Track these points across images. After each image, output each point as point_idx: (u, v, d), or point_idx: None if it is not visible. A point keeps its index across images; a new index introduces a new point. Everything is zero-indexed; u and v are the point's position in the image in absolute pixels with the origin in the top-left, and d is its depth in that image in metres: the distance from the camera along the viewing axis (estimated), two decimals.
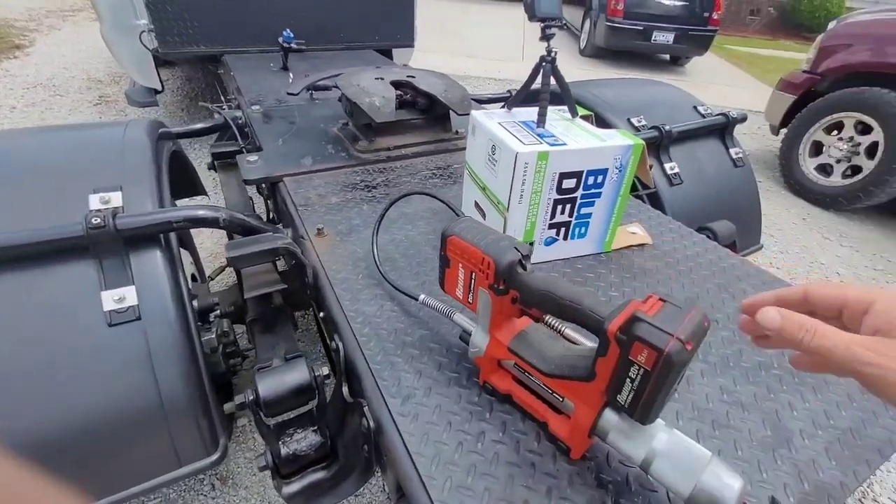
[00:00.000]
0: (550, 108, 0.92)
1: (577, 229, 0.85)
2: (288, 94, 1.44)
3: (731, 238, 1.07)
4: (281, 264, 0.95)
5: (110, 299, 0.77)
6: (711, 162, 1.50)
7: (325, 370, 0.67)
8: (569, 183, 0.78)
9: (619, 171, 0.80)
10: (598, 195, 0.82)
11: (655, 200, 1.33)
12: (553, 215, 0.81)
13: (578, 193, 0.80)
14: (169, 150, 1.15)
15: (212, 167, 1.59)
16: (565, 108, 0.89)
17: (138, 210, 0.85)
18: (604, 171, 0.79)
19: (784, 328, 0.34)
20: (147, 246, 0.82)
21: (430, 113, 1.36)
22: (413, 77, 1.35)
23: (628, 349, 0.41)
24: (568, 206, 0.81)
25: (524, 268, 0.51)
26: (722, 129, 1.54)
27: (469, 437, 0.55)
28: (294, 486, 0.66)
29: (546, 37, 0.78)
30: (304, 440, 0.67)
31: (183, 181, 1.47)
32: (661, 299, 0.42)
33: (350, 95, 1.21)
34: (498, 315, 0.55)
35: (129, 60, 2.69)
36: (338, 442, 0.69)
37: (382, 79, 1.31)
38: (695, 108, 1.59)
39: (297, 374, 0.62)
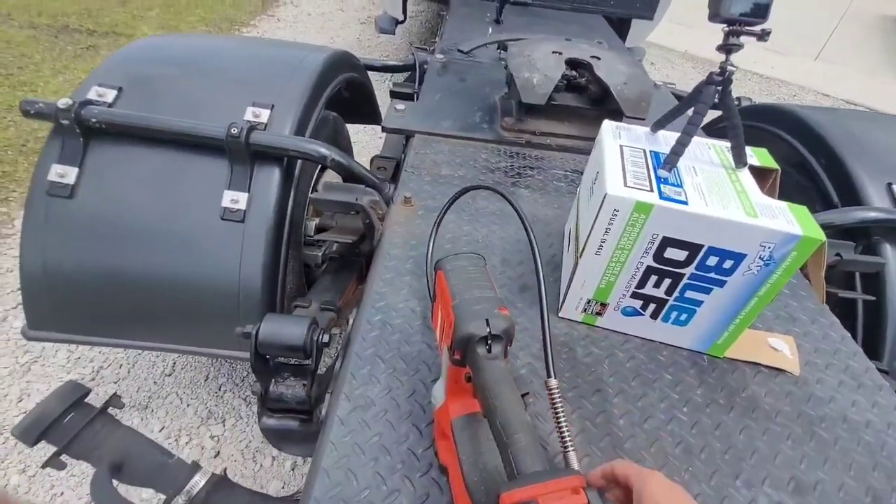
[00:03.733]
0: (715, 146, 0.67)
1: (674, 313, 0.64)
2: (459, 50, 1.40)
3: None
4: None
5: (228, 198, 0.90)
6: None
7: (327, 338, 0.68)
8: (676, 253, 0.57)
9: (766, 264, 0.55)
10: (721, 284, 0.58)
11: (874, 314, 0.91)
12: (642, 284, 0.62)
13: (688, 271, 0.58)
14: (343, 81, 1.25)
15: None
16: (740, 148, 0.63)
17: (276, 130, 0.96)
18: (738, 257, 0.55)
19: None
20: (270, 163, 0.93)
21: (601, 105, 1.15)
22: (598, 59, 1.15)
23: None
24: (667, 282, 0.60)
25: (489, 350, 0.40)
26: None
27: (382, 487, 0.49)
28: (271, 422, 0.71)
29: (728, 47, 0.54)
30: (292, 389, 0.70)
31: (364, 108, 1.61)
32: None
33: (511, 66, 1.10)
34: (454, 383, 0.45)
35: None
36: (318, 408, 0.71)
37: (560, 54, 1.15)
38: None
39: (293, 332, 0.64)
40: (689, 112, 0.61)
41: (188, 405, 1.33)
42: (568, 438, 0.45)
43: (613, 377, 0.63)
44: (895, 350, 0.88)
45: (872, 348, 0.89)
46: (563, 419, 0.46)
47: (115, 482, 0.50)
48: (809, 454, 0.57)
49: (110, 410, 0.60)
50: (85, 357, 1.41)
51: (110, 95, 0.94)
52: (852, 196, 1.00)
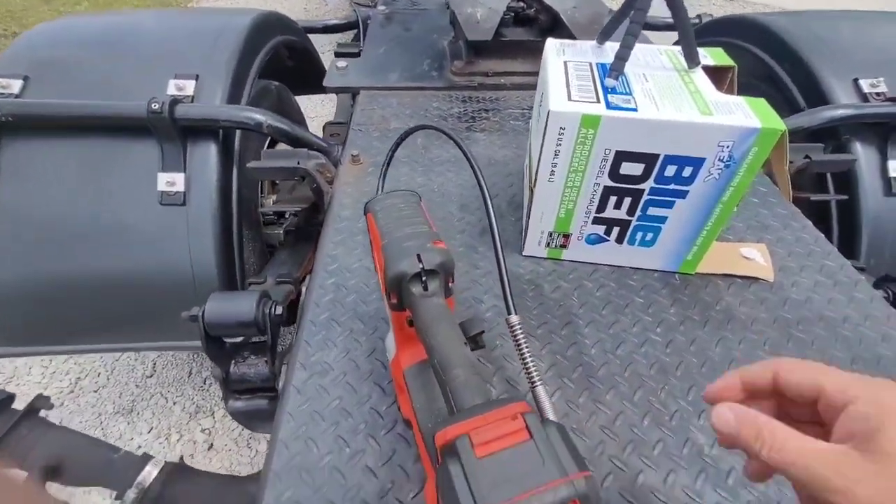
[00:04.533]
0: (667, 51, 0.62)
1: (639, 233, 0.60)
2: None
3: None
4: None
5: (164, 181, 0.84)
6: None
7: (280, 310, 0.64)
8: (631, 168, 0.53)
9: (727, 165, 0.51)
10: (682, 195, 0.55)
11: (847, 214, 0.89)
12: (602, 207, 0.58)
13: (646, 186, 0.55)
14: (278, 44, 1.16)
15: None
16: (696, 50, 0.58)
17: (205, 101, 0.88)
18: (697, 162, 0.51)
19: (739, 435, 0.27)
20: (203, 138, 0.86)
21: (552, 34, 1.08)
22: None
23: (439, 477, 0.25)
24: (627, 200, 0.57)
25: (425, 287, 0.36)
26: None
27: (344, 450, 0.46)
28: (239, 404, 0.68)
29: None
30: (254, 367, 0.67)
31: (312, 76, 1.52)
32: (527, 427, 0.24)
33: (453, 4, 1.03)
34: (399, 331, 0.41)
35: None
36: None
37: None
38: None
39: (241, 306, 0.60)
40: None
41: (174, 403, 1.30)
42: (535, 374, 0.43)
43: (583, 308, 0.60)
44: (871, 247, 0.87)
45: (849, 248, 0.88)
46: (527, 355, 0.43)
47: (55, 485, 0.47)
48: (788, 357, 0.55)
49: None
50: (60, 370, 1.36)
51: (16, 86, 0.85)
52: (819, 98, 0.96)
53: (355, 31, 1.59)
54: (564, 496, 0.22)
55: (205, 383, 1.35)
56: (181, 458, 0.54)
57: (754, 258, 0.65)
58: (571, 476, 0.22)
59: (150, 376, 1.36)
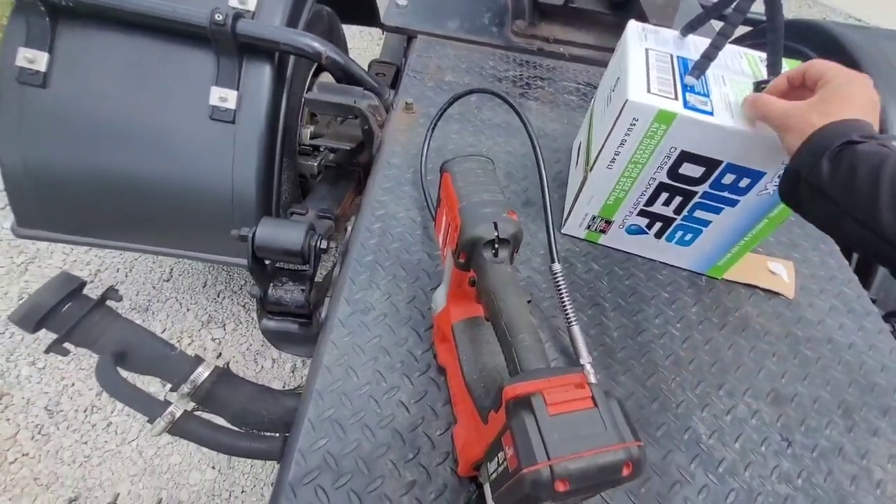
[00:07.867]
0: (748, 55, 0.62)
1: (679, 233, 0.63)
2: None
3: None
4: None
5: (216, 95, 0.84)
6: None
7: (325, 244, 0.67)
8: (691, 170, 0.55)
9: None
10: (733, 203, 0.57)
11: None
12: (651, 202, 0.60)
13: (701, 189, 0.56)
14: None
15: None
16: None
17: (266, 20, 0.86)
18: (756, 175, 0.53)
19: (753, 105, 0.48)
20: (259, 59, 0.85)
21: (623, 10, 1.05)
22: None
23: (504, 429, 0.29)
24: (677, 200, 0.58)
25: (496, 253, 0.38)
26: None
27: (381, 383, 0.51)
28: (271, 324, 0.73)
29: None
30: (290, 293, 0.70)
31: (359, 6, 1.46)
32: (593, 398, 0.28)
33: None
34: (456, 288, 0.45)
35: None
36: (318, 311, 0.72)
37: None
38: None
39: (290, 235, 0.63)
40: (727, 11, 0.55)
41: (188, 310, 1.36)
42: (572, 316, 0.48)
43: (611, 293, 0.63)
44: (884, 281, 0.89)
45: (863, 279, 0.90)
46: (566, 298, 0.48)
47: (119, 370, 0.51)
48: (791, 370, 0.60)
49: (108, 303, 0.60)
50: (81, 260, 1.41)
51: None
52: None
53: None
54: (621, 458, 0.25)
55: (218, 296, 1.41)
56: (227, 363, 0.58)
57: (780, 274, 0.68)
58: (628, 443, 0.26)
59: (167, 280, 1.41)
